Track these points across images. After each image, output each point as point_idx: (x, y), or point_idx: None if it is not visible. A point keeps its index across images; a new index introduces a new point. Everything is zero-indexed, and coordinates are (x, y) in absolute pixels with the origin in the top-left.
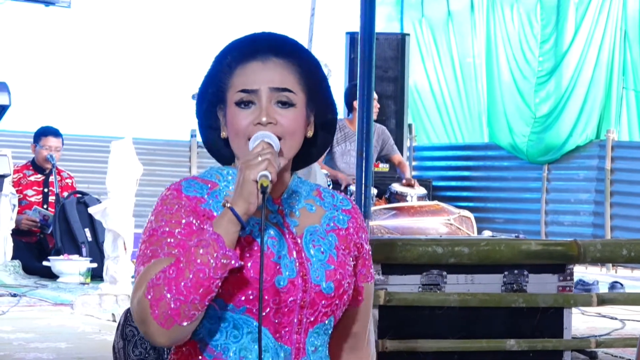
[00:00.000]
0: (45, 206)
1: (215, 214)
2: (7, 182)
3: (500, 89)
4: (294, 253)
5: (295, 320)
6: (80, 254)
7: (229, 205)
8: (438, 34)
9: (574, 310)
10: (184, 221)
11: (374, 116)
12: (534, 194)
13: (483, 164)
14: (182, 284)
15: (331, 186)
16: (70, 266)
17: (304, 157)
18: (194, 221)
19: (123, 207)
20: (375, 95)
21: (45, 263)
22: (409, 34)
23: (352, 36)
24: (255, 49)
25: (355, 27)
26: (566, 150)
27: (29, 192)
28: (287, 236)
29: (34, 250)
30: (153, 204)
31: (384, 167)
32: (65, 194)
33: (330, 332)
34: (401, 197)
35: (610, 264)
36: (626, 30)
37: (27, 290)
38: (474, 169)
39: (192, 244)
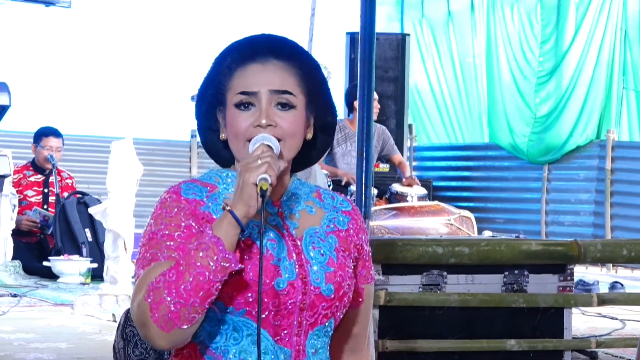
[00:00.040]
0: (45, 206)
1: (214, 216)
2: (8, 183)
3: (500, 89)
4: (294, 255)
5: (295, 323)
6: (81, 254)
7: (228, 208)
8: (438, 34)
9: (574, 310)
10: (183, 224)
11: (375, 116)
12: (534, 194)
13: (483, 164)
14: (182, 287)
15: (331, 187)
16: (70, 266)
17: (303, 160)
18: (194, 224)
19: (123, 207)
20: (375, 96)
21: (45, 263)
22: (409, 34)
23: (352, 36)
24: (255, 51)
25: (356, 27)
26: (566, 150)
27: (29, 192)
28: (286, 238)
29: (34, 250)
30: (153, 204)
31: (384, 167)
32: (66, 194)
33: (330, 334)
34: (401, 197)
35: (611, 264)
36: (626, 31)
37: (28, 290)
38: (474, 169)
39: (191, 247)
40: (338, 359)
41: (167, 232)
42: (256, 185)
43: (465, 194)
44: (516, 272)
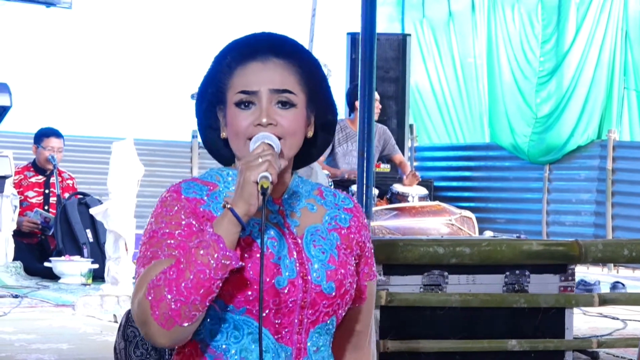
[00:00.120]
0: (46, 207)
1: (215, 215)
2: (9, 183)
3: (501, 89)
4: (294, 253)
5: (296, 321)
6: (82, 255)
7: (229, 206)
8: (439, 34)
9: (575, 310)
10: (183, 222)
11: (376, 116)
12: (535, 194)
13: (484, 164)
14: (183, 284)
15: (332, 187)
16: (71, 267)
17: (304, 157)
18: (194, 222)
19: (124, 208)
20: (377, 96)
21: (46, 264)
22: (410, 35)
23: (353, 37)
24: (255, 50)
25: (357, 27)
26: (567, 150)
27: (30, 193)
28: (287, 236)
29: (36, 251)
30: (154, 205)
31: (385, 167)
32: (67, 194)
33: (332, 331)
34: (402, 197)
35: (612, 264)
36: (627, 31)
37: (29, 291)
38: (475, 169)
39: (192, 245)
40: (340, 356)
41: (167, 231)
42: (257, 183)
43: (466, 194)
44: (517, 272)
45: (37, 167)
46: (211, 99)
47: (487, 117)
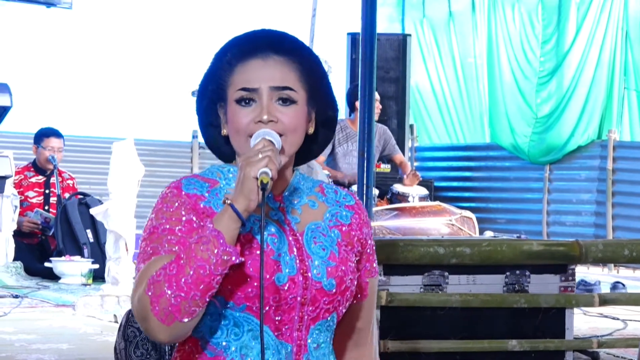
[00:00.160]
0: (46, 207)
1: (215, 211)
2: (9, 184)
3: (501, 89)
4: (295, 250)
5: (296, 318)
6: (82, 255)
7: (229, 201)
8: (439, 34)
9: (575, 310)
10: (184, 218)
11: (376, 117)
12: (536, 194)
13: (484, 165)
14: (183, 280)
15: None
16: (72, 267)
17: (305, 154)
18: (194, 218)
19: (125, 208)
20: (377, 96)
21: (47, 264)
22: (410, 35)
23: (353, 37)
24: (255, 46)
25: (357, 27)
26: (568, 150)
27: (30, 193)
28: (287, 233)
29: (36, 251)
30: (154, 205)
31: (385, 167)
32: (67, 195)
33: (333, 328)
34: (403, 197)
35: (612, 264)
36: (627, 31)
37: (29, 291)
38: (475, 169)
39: (192, 241)
40: (342, 353)
41: (167, 227)
42: (257, 179)
43: (466, 194)
44: (517, 272)
45: (37, 167)
46: (212, 97)
47: (488, 117)
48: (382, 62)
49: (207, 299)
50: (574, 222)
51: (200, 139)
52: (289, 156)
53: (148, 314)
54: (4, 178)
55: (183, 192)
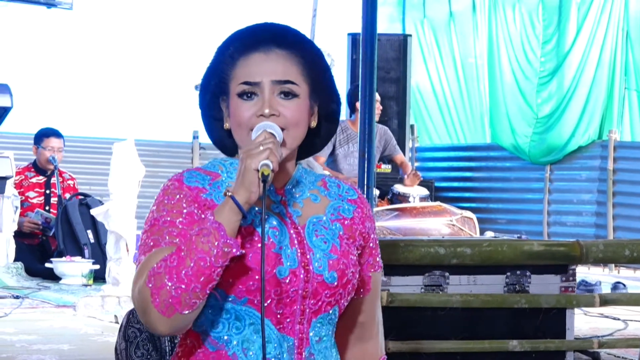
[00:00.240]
0: (47, 208)
1: (216, 204)
2: (10, 184)
3: (502, 90)
4: (296, 243)
5: (298, 311)
6: (83, 256)
7: (230, 194)
8: (440, 34)
9: (576, 310)
10: (185, 211)
11: (377, 117)
12: (536, 194)
13: (485, 165)
14: (183, 272)
15: None
16: (72, 268)
17: (307, 148)
18: (196, 211)
19: (125, 208)
20: (377, 97)
21: (47, 265)
22: (410, 35)
23: (354, 37)
24: (258, 40)
25: (357, 28)
26: (568, 150)
27: (31, 193)
28: (289, 226)
29: (37, 252)
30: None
31: (386, 168)
32: (68, 195)
33: (335, 321)
34: (403, 198)
35: (613, 265)
36: (628, 31)
37: (30, 292)
38: (476, 169)
39: (193, 233)
40: (345, 347)
41: (168, 219)
42: (257, 171)
43: (467, 194)
44: (518, 272)
45: (37, 167)
46: (214, 90)
47: (488, 117)
48: (382, 63)
49: (208, 291)
50: (574, 222)
51: (201, 140)
52: (291, 149)
53: (148, 306)
54: (5, 179)
55: (185, 185)
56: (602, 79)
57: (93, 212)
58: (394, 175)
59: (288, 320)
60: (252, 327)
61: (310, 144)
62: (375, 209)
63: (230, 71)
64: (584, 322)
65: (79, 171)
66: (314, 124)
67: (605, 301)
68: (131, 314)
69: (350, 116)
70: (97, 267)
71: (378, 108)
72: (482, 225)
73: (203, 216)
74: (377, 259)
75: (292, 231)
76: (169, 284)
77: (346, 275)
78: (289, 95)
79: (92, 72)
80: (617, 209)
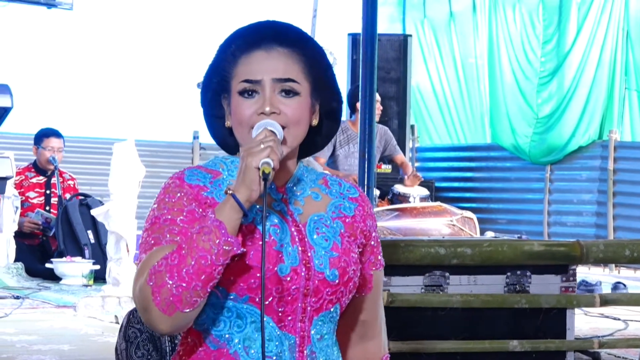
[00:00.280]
0: (47, 208)
1: (217, 202)
2: (10, 184)
3: (502, 90)
4: (297, 241)
5: (299, 309)
6: (83, 256)
7: (230, 192)
8: (440, 34)
9: (576, 310)
10: (186, 209)
11: (377, 118)
12: (537, 194)
13: (485, 165)
14: (184, 270)
15: None
16: (73, 268)
17: (309, 146)
18: (197, 209)
19: (125, 209)
20: (378, 97)
21: (48, 265)
22: (411, 35)
23: (354, 37)
24: (260, 38)
25: (358, 28)
26: (569, 150)
27: (31, 194)
28: (290, 224)
29: (37, 252)
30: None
31: (386, 168)
32: (68, 195)
33: (336, 320)
34: (404, 198)
35: (613, 265)
36: (628, 31)
37: (30, 292)
38: (476, 169)
39: (194, 231)
40: (347, 346)
41: (169, 217)
42: (258, 169)
43: (467, 194)
44: (518, 272)
45: (38, 167)
46: (216, 88)
47: (489, 117)
48: (383, 63)
49: (209, 290)
50: (575, 222)
51: (202, 140)
52: (292, 148)
53: (149, 304)
54: (5, 179)
55: (185, 183)
56: (603, 79)
57: (93, 212)
58: (394, 175)
59: (289, 318)
60: (254, 325)
61: (312, 142)
62: (375, 209)
63: (231, 69)
64: (584, 322)
65: (79, 171)
66: (315, 122)
67: (605, 301)
68: (131, 314)
69: (351, 117)
70: (98, 267)
71: (378, 108)
72: (482, 225)
73: (204, 214)
74: (379, 257)
75: (293, 229)
76: (170, 282)
77: (347, 273)
78: (290, 93)
79: (92, 72)
80: (618, 209)
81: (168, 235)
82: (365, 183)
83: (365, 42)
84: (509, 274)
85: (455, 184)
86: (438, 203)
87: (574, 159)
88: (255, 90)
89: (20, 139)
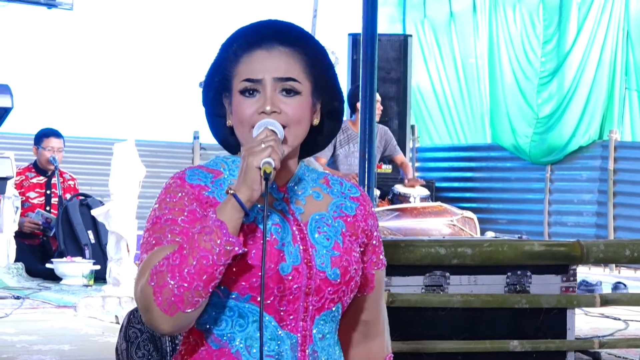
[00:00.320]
0: (47, 208)
1: (219, 201)
2: (10, 185)
3: (502, 90)
4: (299, 240)
5: (301, 308)
6: (83, 256)
7: (232, 191)
8: (440, 34)
9: (577, 311)
10: (187, 209)
11: (377, 118)
12: (537, 194)
13: (486, 165)
14: (186, 270)
15: None
16: (73, 268)
17: (310, 145)
18: (198, 209)
19: (126, 209)
20: (378, 97)
21: (48, 265)
22: (411, 35)
23: (354, 37)
24: (261, 37)
25: (358, 28)
26: (569, 150)
27: (32, 194)
28: (291, 223)
29: (37, 252)
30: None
31: (386, 168)
32: (68, 195)
33: (338, 319)
34: (404, 198)
35: (614, 265)
36: (628, 31)
37: (31, 292)
38: (476, 169)
39: (195, 231)
40: (349, 346)
41: (170, 217)
42: (259, 168)
43: (467, 194)
44: (519, 272)
45: (38, 168)
46: (217, 87)
47: (489, 117)
48: (383, 63)
49: (210, 290)
50: (575, 222)
51: (202, 140)
52: (293, 147)
53: (151, 305)
54: (5, 179)
55: (187, 183)
56: (603, 79)
57: (94, 212)
58: (394, 175)
59: (291, 317)
60: (256, 324)
61: (313, 142)
62: (375, 209)
63: (233, 68)
64: (584, 322)
65: (80, 171)
66: (316, 121)
67: (605, 301)
68: (132, 314)
69: (351, 116)
70: (98, 267)
71: (378, 108)
72: (482, 225)
73: (205, 214)
74: (381, 257)
75: (294, 228)
76: (172, 282)
77: (349, 272)
78: (290, 92)
79: (93, 72)
80: (618, 209)
81: (169, 235)
82: (366, 183)
83: (366, 42)
84: (509, 274)
85: (456, 184)
86: (438, 203)
87: (574, 159)
88: (256, 89)
89: (21, 139)
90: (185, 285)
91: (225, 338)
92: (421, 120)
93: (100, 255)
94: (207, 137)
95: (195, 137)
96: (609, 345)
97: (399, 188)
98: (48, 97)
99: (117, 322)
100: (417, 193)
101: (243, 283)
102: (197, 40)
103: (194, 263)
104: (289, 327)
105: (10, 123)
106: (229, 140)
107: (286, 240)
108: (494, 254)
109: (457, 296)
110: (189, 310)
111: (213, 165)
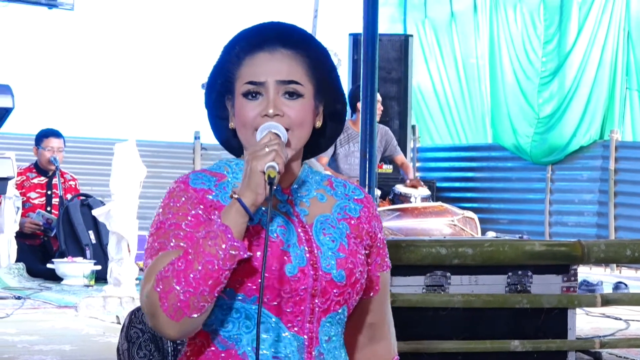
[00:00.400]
0: (48, 208)
1: (223, 205)
2: (11, 185)
3: (503, 90)
4: (304, 241)
5: (307, 310)
6: (84, 257)
7: (236, 196)
8: (441, 34)
9: (578, 310)
10: (191, 213)
11: (377, 117)
12: (538, 194)
13: (487, 165)
14: (191, 275)
15: None
16: (74, 268)
17: (313, 148)
18: (202, 213)
19: (127, 209)
20: (378, 97)
21: (49, 265)
22: (412, 35)
23: (355, 37)
24: (264, 40)
25: (359, 28)
26: (570, 150)
27: (32, 194)
28: (296, 225)
29: (38, 252)
30: (157, 206)
31: (387, 168)
32: (69, 196)
33: (344, 322)
34: (405, 198)
35: (614, 265)
36: (629, 31)
37: (31, 292)
38: (477, 169)
39: (200, 236)
40: (355, 349)
41: (174, 222)
42: (264, 173)
43: (468, 194)
44: (520, 272)
45: (39, 168)
46: (220, 89)
47: (490, 117)
48: (384, 63)
49: (216, 294)
50: (576, 222)
51: (203, 140)
52: (296, 150)
53: (157, 310)
54: (6, 179)
55: (190, 187)
56: (604, 79)
57: (94, 212)
58: (395, 175)
59: (298, 319)
60: (262, 326)
61: (316, 144)
62: None
63: (235, 70)
64: (585, 322)
65: (81, 172)
66: (319, 124)
67: (606, 301)
68: (133, 314)
69: (352, 116)
70: (99, 267)
71: (379, 108)
72: (483, 225)
73: (209, 218)
74: (386, 259)
75: (299, 230)
76: (177, 287)
77: (354, 274)
78: (293, 95)
79: (94, 72)
80: (619, 209)
81: (173, 240)
82: (367, 183)
83: (367, 42)
84: (510, 274)
85: (457, 184)
86: (439, 203)
87: (575, 159)
88: (259, 92)
89: (22, 140)
90: (191, 290)
91: (232, 339)
92: (422, 120)
93: (101, 255)
94: (208, 138)
95: (196, 138)
96: (610, 345)
97: (399, 188)
98: (49, 97)
99: (118, 322)
100: (418, 193)
101: (249, 284)
102: (198, 41)
103: (200, 268)
104: (296, 328)
105: (11, 123)
106: (231, 142)
107: (291, 242)
108: (495, 254)
109: (458, 296)
110: (195, 315)
111: (216, 168)
